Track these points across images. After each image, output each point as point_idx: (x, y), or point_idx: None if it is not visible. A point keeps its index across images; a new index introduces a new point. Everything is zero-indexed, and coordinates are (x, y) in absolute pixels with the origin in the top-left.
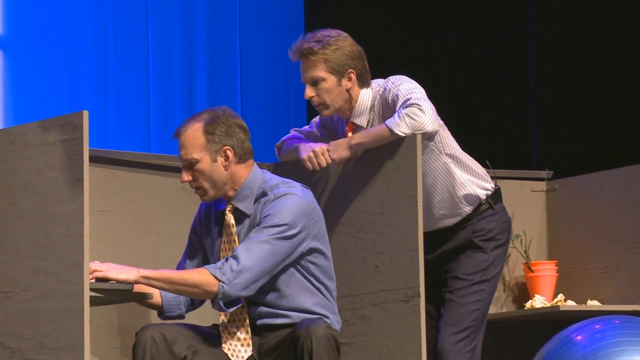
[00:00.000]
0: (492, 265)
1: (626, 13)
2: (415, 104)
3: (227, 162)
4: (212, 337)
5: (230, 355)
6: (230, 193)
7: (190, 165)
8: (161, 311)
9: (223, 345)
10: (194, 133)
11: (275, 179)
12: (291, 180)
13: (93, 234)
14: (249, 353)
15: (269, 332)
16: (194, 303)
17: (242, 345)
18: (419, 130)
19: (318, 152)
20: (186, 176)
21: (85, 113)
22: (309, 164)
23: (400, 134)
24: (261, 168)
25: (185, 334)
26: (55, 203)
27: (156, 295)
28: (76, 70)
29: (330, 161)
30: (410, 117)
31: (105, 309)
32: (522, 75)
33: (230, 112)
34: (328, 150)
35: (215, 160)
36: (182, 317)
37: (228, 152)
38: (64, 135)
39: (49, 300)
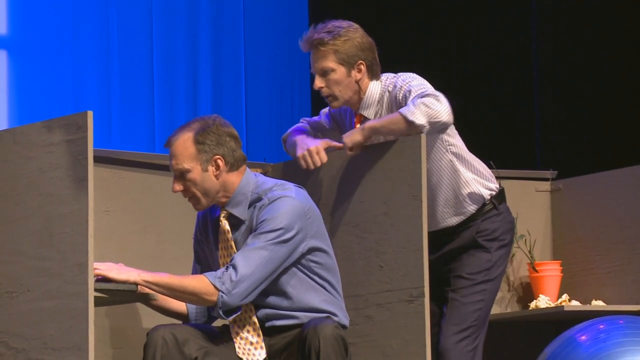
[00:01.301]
0: (496, 265)
1: (633, 12)
2: (432, 94)
3: (218, 172)
4: (223, 337)
5: (245, 359)
6: (224, 200)
7: (182, 175)
8: (187, 320)
9: (236, 347)
10: (185, 143)
11: (269, 182)
12: (285, 182)
13: (97, 234)
14: (263, 356)
15: (278, 333)
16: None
17: (256, 348)
18: (434, 119)
19: (312, 151)
20: (177, 186)
21: (90, 113)
22: (303, 163)
23: (414, 120)
24: (265, 168)
25: (197, 335)
26: (59, 203)
27: (181, 304)
28: (80, 71)
29: (325, 160)
30: (427, 105)
31: (109, 309)
32: (527, 75)
33: (221, 120)
34: (343, 137)
35: (206, 170)
36: (207, 324)
37: (219, 161)
38: (68, 135)
39: (53, 300)
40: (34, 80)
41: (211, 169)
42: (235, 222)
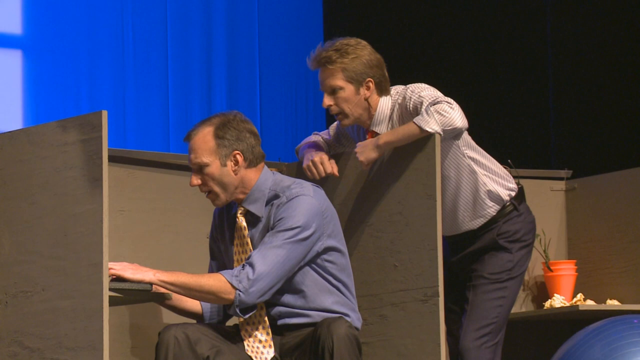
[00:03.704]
0: (518, 265)
1: None
2: (445, 101)
3: (236, 167)
4: (235, 337)
5: (253, 357)
6: (241, 197)
7: (200, 169)
8: (201, 319)
9: (245, 345)
10: (205, 137)
11: (287, 180)
12: (302, 181)
13: (112, 234)
14: (272, 354)
15: (290, 331)
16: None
17: (264, 347)
18: (449, 126)
19: (317, 162)
20: (195, 180)
21: (104, 113)
22: (308, 173)
23: (429, 130)
24: (280, 167)
25: (208, 334)
26: (74, 203)
27: (196, 304)
28: (95, 70)
29: (329, 170)
30: (440, 113)
31: (124, 308)
32: (542, 75)
33: (242, 117)
34: (356, 152)
35: (224, 165)
36: (222, 323)
37: (238, 156)
38: (83, 135)
39: (68, 299)
40: (49, 79)
41: (230, 164)
42: (251, 219)
